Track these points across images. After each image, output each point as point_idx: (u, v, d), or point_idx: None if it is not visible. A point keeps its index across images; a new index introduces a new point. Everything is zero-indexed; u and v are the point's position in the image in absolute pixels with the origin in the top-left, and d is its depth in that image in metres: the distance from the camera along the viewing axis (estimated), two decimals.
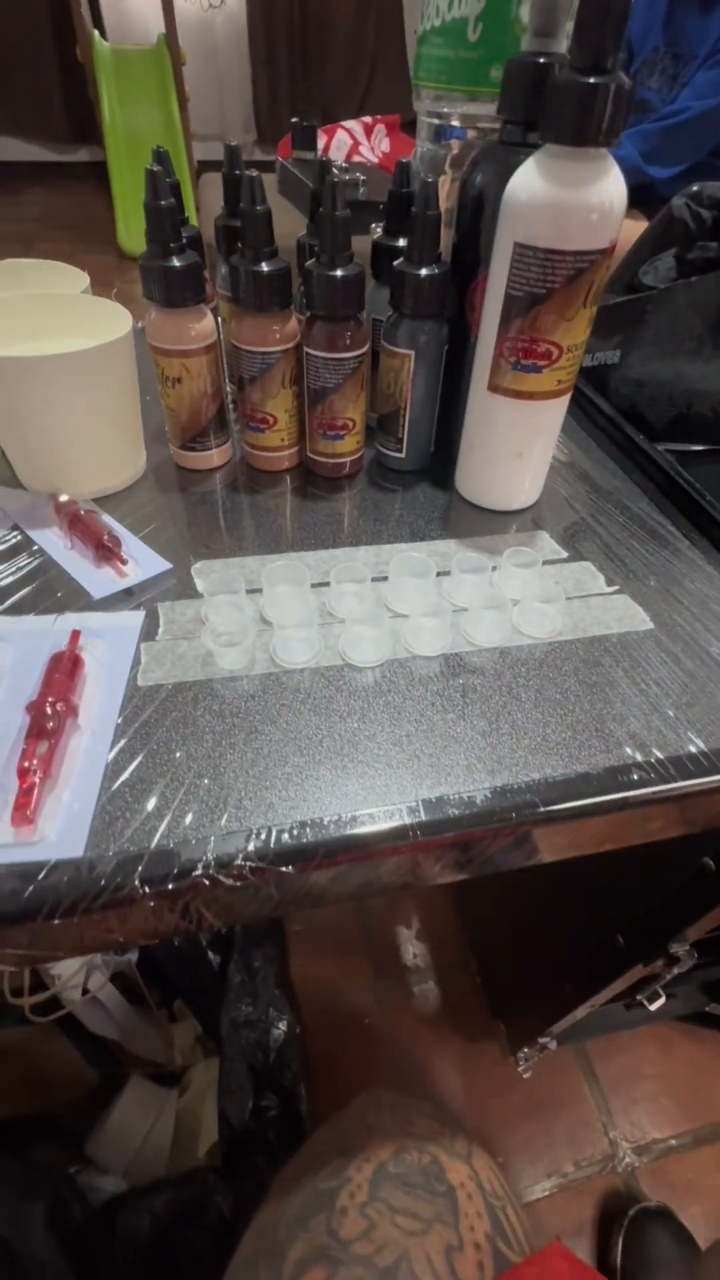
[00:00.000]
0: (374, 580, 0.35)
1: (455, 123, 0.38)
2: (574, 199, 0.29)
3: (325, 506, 0.41)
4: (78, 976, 0.75)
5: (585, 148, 0.28)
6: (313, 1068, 0.87)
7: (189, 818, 0.25)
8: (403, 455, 0.43)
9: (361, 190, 1.58)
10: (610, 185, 0.29)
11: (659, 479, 0.44)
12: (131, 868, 0.23)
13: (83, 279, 0.43)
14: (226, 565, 0.36)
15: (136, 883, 0.23)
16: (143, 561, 0.35)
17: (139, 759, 0.27)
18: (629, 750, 0.28)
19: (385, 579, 0.35)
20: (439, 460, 0.44)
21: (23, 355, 0.32)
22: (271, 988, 0.83)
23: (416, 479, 0.44)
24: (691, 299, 0.42)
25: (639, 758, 0.28)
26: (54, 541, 0.36)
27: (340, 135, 2.19)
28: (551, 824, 0.26)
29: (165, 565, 0.35)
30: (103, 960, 0.79)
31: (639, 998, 0.54)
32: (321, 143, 2.24)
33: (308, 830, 0.25)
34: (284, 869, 0.24)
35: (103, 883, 0.23)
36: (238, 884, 0.24)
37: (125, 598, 0.34)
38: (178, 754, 0.27)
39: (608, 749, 0.28)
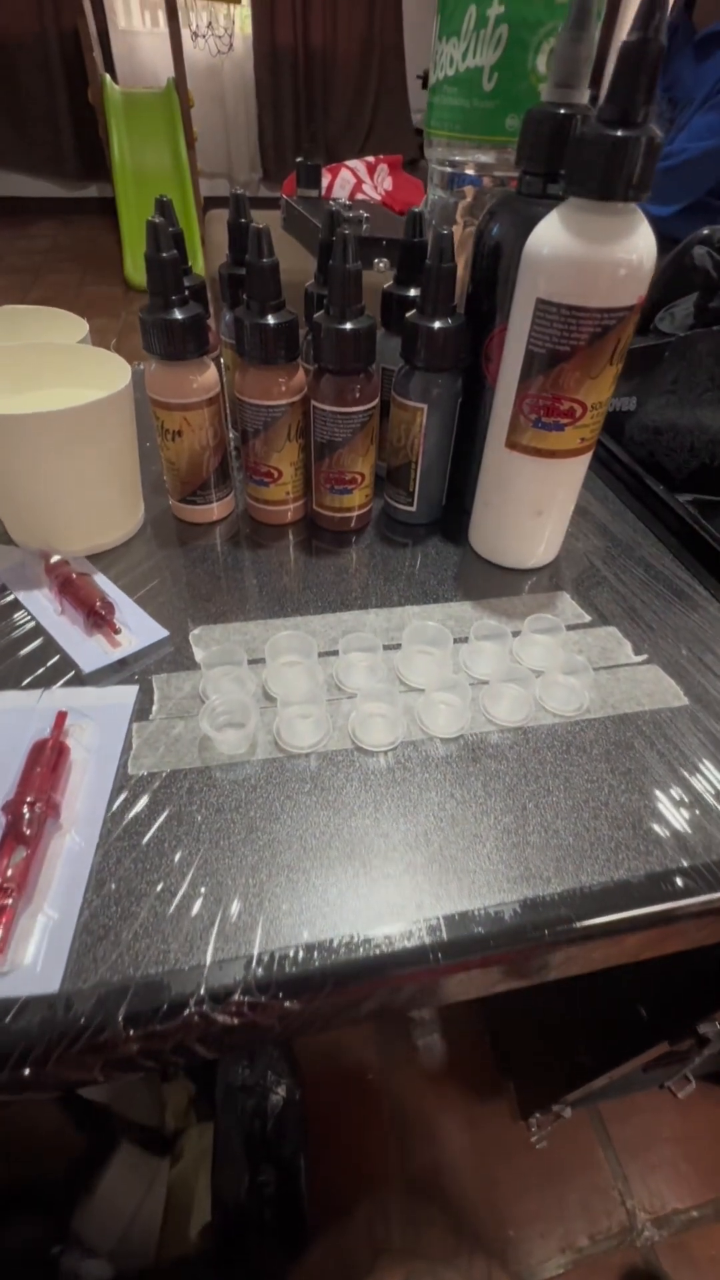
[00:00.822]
0: (386, 648, 0.33)
1: (469, 170, 0.37)
2: (601, 255, 0.27)
3: (332, 562, 0.39)
4: None
5: (613, 202, 0.26)
6: (312, 1129, 0.82)
7: (181, 936, 0.22)
8: (413, 509, 0.41)
9: (365, 227, 1.60)
10: (639, 240, 0.27)
11: (681, 533, 0.42)
12: (114, 1004, 0.20)
13: (82, 327, 0.41)
14: (227, 631, 0.34)
15: (120, 1023, 0.20)
16: (137, 629, 0.33)
17: (126, 864, 0.24)
18: (672, 852, 0.25)
19: (398, 647, 0.33)
20: (450, 512, 0.42)
21: (15, 412, 0.30)
22: (269, 1049, 0.79)
23: (427, 532, 0.42)
24: (712, 347, 0.41)
25: (684, 861, 0.25)
26: (43, 604, 0.34)
27: (344, 174, 2.23)
28: (588, 942, 0.23)
29: (161, 633, 0.33)
30: None
31: (667, 1085, 0.50)
32: (326, 181, 2.28)
33: (315, 955, 0.22)
34: (287, 1003, 0.21)
35: (81, 1022, 0.20)
36: (235, 1021, 0.21)
37: (118, 668, 0.31)
38: (174, 857, 0.24)
39: (648, 850, 0.25)
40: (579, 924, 0.23)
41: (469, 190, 0.37)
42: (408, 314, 0.35)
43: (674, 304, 0.46)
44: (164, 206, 0.34)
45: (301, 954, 0.22)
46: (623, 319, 0.29)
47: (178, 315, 0.33)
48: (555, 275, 0.28)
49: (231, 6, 2.84)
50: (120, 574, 0.37)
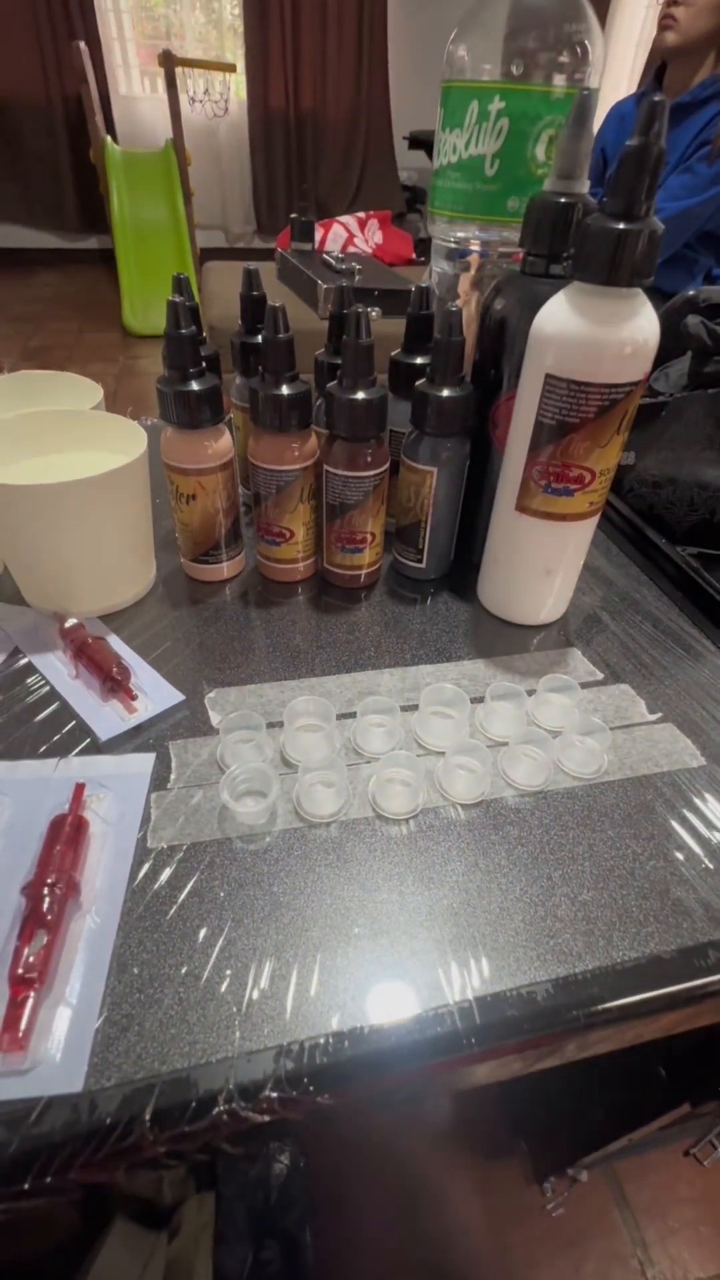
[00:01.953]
0: (403, 709, 0.33)
1: (474, 245, 0.38)
2: (608, 335, 0.28)
3: (343, 620, 0.39)
4: None
5: (618, 287, 0.28)
6: (316, 1195, 0.78)
7: (207, 1024, 0.21)
8: (423, 565, 0.41)
9: (357, 279, 1.67)
10: (643, 321, 0.28)
11: (684, 585, 0.43)
12: (140, 1105, 0.19)
13: (96, 392, 0.42)
14: (242, 694, 0.34)
15: (146, 1125, 0.19)
16: (152, 693, 0.33)
17: (149, 945, 0.23)
18: (702, 924, 0.25)
19: (415, 708, 0.33)
20: (459, 567, 0.43)
21: (33, 481, 0.31)
22: None
23: (436, 587, 0.42)
24: (709, 409, 0.42)
25: (716, 934, 0.25)
26: (57, 668, 0.34)
27: (336, 229, 2.33)
28: (623, 1022, 0.23)
29: (178, 697, 0.33)
30: None
31: (693, 1152, 0.49)
32: (319, 235, 2.38)
33: (345, 1043, 0.21)
34: (319, 1098, 0.20)
35: (107, 1124, 0.19)
36: (265, 1119, 0.20)
37: (134, 734, 0.31)
38: (197, 937, 0.24)
39: (677, 923, 0.25)
40: (613, 1004, 0.23)
41: (473, 260, 0.39)
42: (417, 383, 0.36)
43: (668, 365, 0.48)
44: (181, 284, 0.36)
45: (331, 1042, 0.21)
46: (629, 393, 0.30)
47: (195, 386, 0.33)
48: (564, 352, 0.29)
49: (227, 74, 2.99)
50: (133, 635, 0.37)
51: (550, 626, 0.40)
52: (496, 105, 0.34)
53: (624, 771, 0.31)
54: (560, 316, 0.29)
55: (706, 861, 0.27)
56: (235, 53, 3.03)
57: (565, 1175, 0.69)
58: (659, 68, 1.30)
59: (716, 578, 0.42)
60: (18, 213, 3.16)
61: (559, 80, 0.34)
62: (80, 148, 2.96)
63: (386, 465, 0.37)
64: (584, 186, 0.31)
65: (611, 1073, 0.60)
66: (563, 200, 0.31)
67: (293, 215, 1.88)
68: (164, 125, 2.71)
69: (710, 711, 0.34)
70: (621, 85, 2.58)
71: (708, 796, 0.30)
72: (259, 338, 0.37)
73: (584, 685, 0.35)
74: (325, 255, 1.81)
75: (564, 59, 0.34)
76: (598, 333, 0.28)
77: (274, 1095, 0.20)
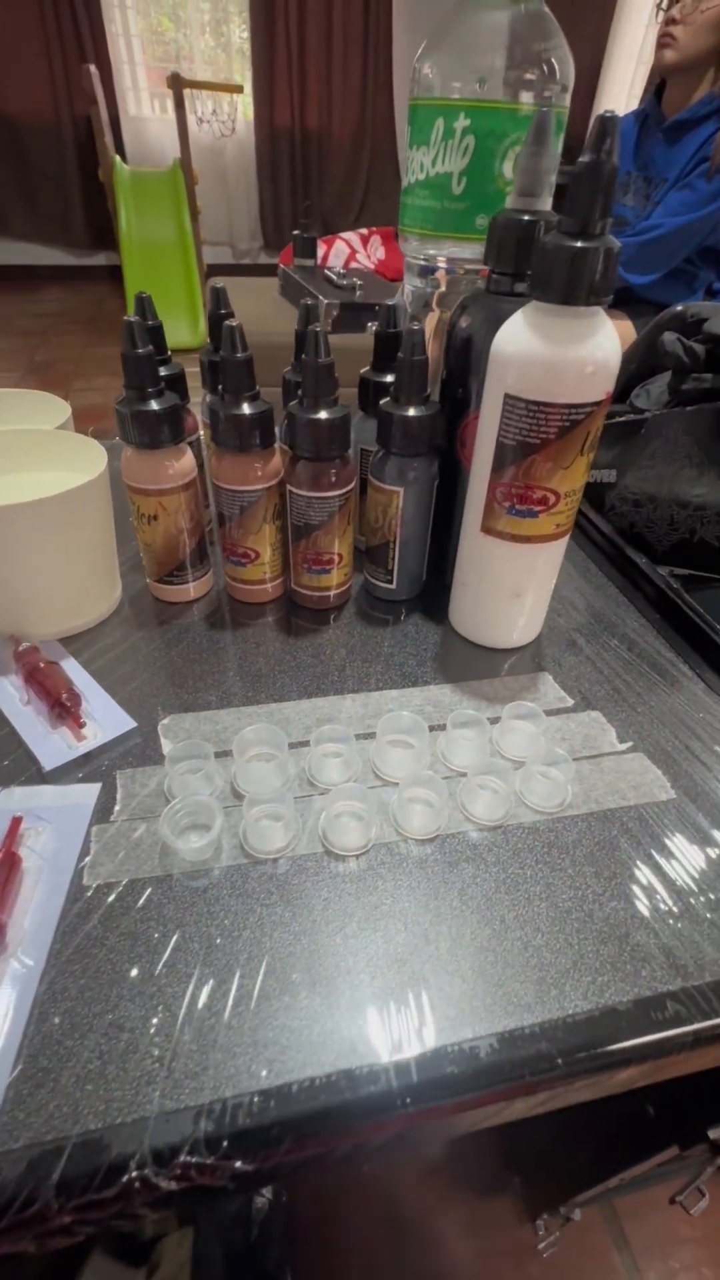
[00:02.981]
0: (361, 737, 0.32)
1: (441, 263, 0.38)
2: (566, 354, 0.28)
3: (309, 642, 0.38)
4: None
5: (576, 306, 0.27)
6: (300, 1230, 0.76)
7: (127, 1080, 0.20)
8: (393, 586, 0.40)
9: (359, 294, 1.67)
10: (603, 340, 0.28)
11: (663, 606, 0.41)
12: (46, 1169, 0.18)
13: (64, 411, 0.42)
14: (198, 720, 0.33)
15: (51, 1192, 0.18)
16: (104, 719, 0.32)
17: (74, 992, 0.22)
18: (661, 972, 0.24)
19: (374, 735, 0.32)
20: (431, 588, 0.42)
21: None
22: None
23: (407, 608, 0.41)
24: (688, 426, 0.41)
25: (675, 984, 0.23)
26: (9, 693, 0.33)
27: (339, 244, 2.35)
28: (571, 1080, 0.21)
29: (130, 724, 0.32)
30: None
31: (678, 1199, 0.46)
32: (322, 251, 2.40)
33: (271, 1104, 0.20)
34: (238, 1164, 0.19)
35: (8, 1193, 0.18)
36: (180, 1187, 0.19)
37: (83, 762, 0.30)
38: (124, 984, 0.23)
39: (635, 970, 0.24)
40: (561, 1060, 0.21)
41: (442, 277, 0.38)
42: (382, 402, 0.35)
43: (649, 381, 0.47)
44: (142, 303, 0.35)
45: (256, 1102, 0.20)
46: (590, 413, 0.29)
47: (153, 406, 0.33)
48: (523, 372, 0.28)
49: (234, 95, 3.05)
50: (93, 657, 0.36)
51: (522, 650, 0.38)
52: (462, 123, 0.34)
53: (589, 805, 0.29)
54: (519, 336, 0.28)
55: (670, 904, 0.26)
56: (243, 74, 3.08)
57: (558, 1213, 0.67)
58: (659, 85, 1.31)
59: (697, 599, 0.41)
60: (27, 230, 3.22)
61: (526, 98, 0.33)
62: (89, 167, 3.02)
63: (352, 485, 0.36)
64: (546, 203, 0.30)
65: (603, 1110, 0.57)
66: (525, 218, 0.30)
67: (295, 232, 1.90)
68: (172, 145, 2.76)
69: (684, 741, 0.33)
70: (621, 102, 2.59)
71: (675, 833, 0.28)
72: None
73: (553, 712, 0.34)
74: (327, 271, 1.83)
75: (530, 76, 0.33)
76: (556, 352, 0.27)
77: (191, 1160, 0.19)
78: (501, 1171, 0.80)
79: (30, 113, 2.96)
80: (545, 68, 0.33)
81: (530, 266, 0.31)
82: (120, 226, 2.79)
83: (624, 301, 1.36)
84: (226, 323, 0.32)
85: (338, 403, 0.34)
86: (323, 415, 0.33)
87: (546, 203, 0.30)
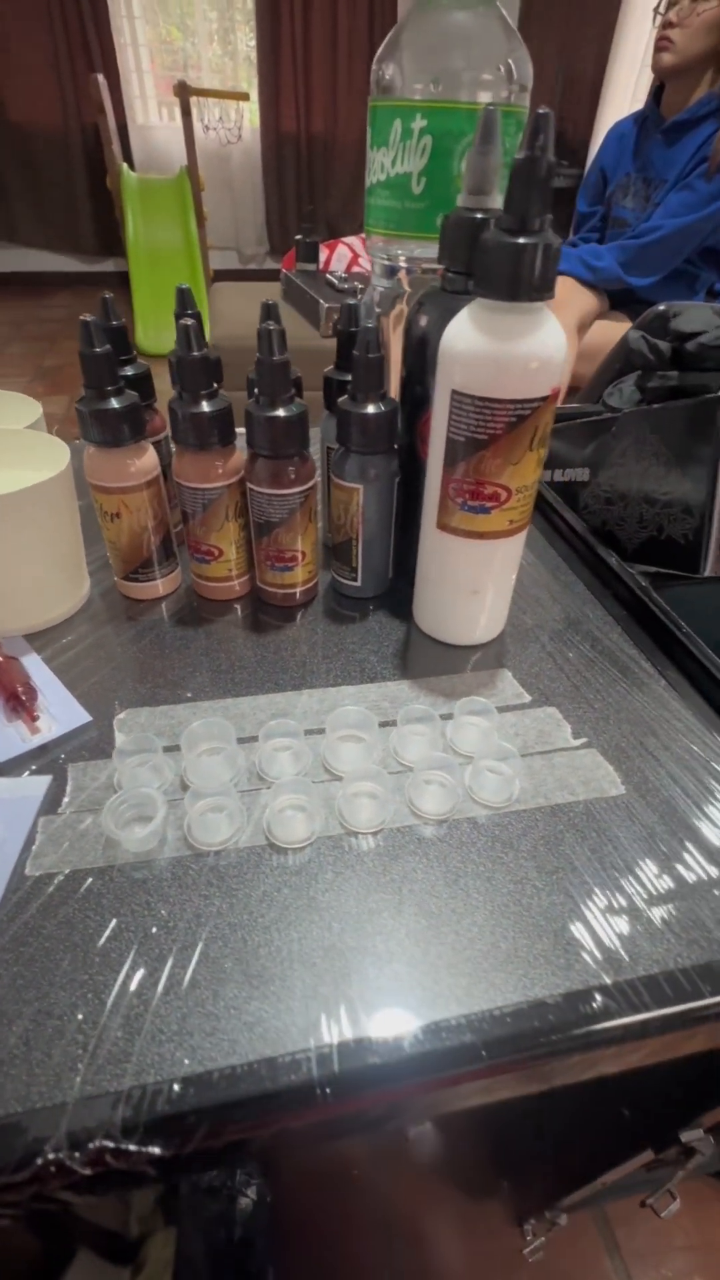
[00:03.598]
0: (313, 732, 0.32)
1: (402, 263, 0.38)
2: (510, 350, 0.28)
3: (272, 639, 0.39)
4: None
5: (519, 303, 0.27)
6: (287, 1232, 0.75)
7: (51, 1067, 0.20)
8: (358, 583, 0.41)
9: (360, 297, 1.68)
10: (546, 336, 0.28)
11: (631, 604, 0.41)
12: None
13: (35, 410, 0.42)
14: (153, 715, 0.33)
15: None
16: (60, 713, 0.32)
17: (4, 981, 0.23)
18: (594, 966, 0.23)
19: (322, 731, 0.32)
20: (398, 586, 0.42)
21: None
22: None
23: (375, 606, 0.41)
24: (654, 424, 0.41)
25: (607, 978, 0.23)
26: None
27: (341, 249, 2.36)
28: (495, 1074, 0.21)
29: (85, 718, 0.32)
30: None
31: (649, 1203, 0.46)
32: (324, 255, 2.42)
33: (190, 1091, 0.20)
34: (155, 1151, 0.19)
35: None
36: (94, 1172, 0.19)
37: (39, 754, 0.31)
38: (55, 973, 0.23)
39: (569, 965, 0.24)
40: (485, 1053, 0.21)
41: (403, 277, 0.39)
42: (340, 400, 0.35)
43: (622, 380, 0.47)
44: (105, 303, 0.36)
45: (176, 1089, 0.20)
46: (537, 409, 0.29)
47: (113, 405, 0.33)
48: (469, 369, 0.29)
49: (240, 102, 3.08)
50: (56, 653, 0.37)
51: (485, 647, 0.38)
52: (419, 123, 0.34)
53: (537, 800, 0.29)
54: (464, 333, 0.28)
55: (609, 899, 0.26)
56: (250, 81, 3.11)
57: (544, 1218, 0.66)
58: (657, 88, 1.31)
59: (666, 597, 0.40)
60: (36, 237, 3.27)
61: (484, 98, 0.33)
62: (97, 175, 3.06)
63: (312, 482, 0.37)
64: (496, 201, 0.31)
65: (587, 1111, 0.57)
66: (477, 216, 0.30)
67: (297, 237, 1.92)
68: (180, 152, 2.79)
69: (639, 738, 0.33)
70: (624, 106, 2.59)
71: (621, 829, 0.28)
72: None
73: (510, 708, 0.34)
74: (329, 275, 1.84)
75: (487, 77, 0.33)
76: (501, 349, 0.28)
77: (107, 1145, 0.19)
78: (491, 1175, 0.79)
79: (40, 122, 3.01)
80: (501, 68, 0.33)
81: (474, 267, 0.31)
82: (127, 233, 2.82)
83: (625, 303, 1.36)
84: (181, 322, 0.32)
85: (294, 400, 0.34)
86: (280, 413, 0.34)
87: (497, 200, 0.30)
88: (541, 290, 0.27)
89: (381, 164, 0.36)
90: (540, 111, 0.24)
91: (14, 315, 3.02)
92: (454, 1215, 0.78)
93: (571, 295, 1.30)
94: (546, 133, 0.24)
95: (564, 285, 1.31)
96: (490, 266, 0.27)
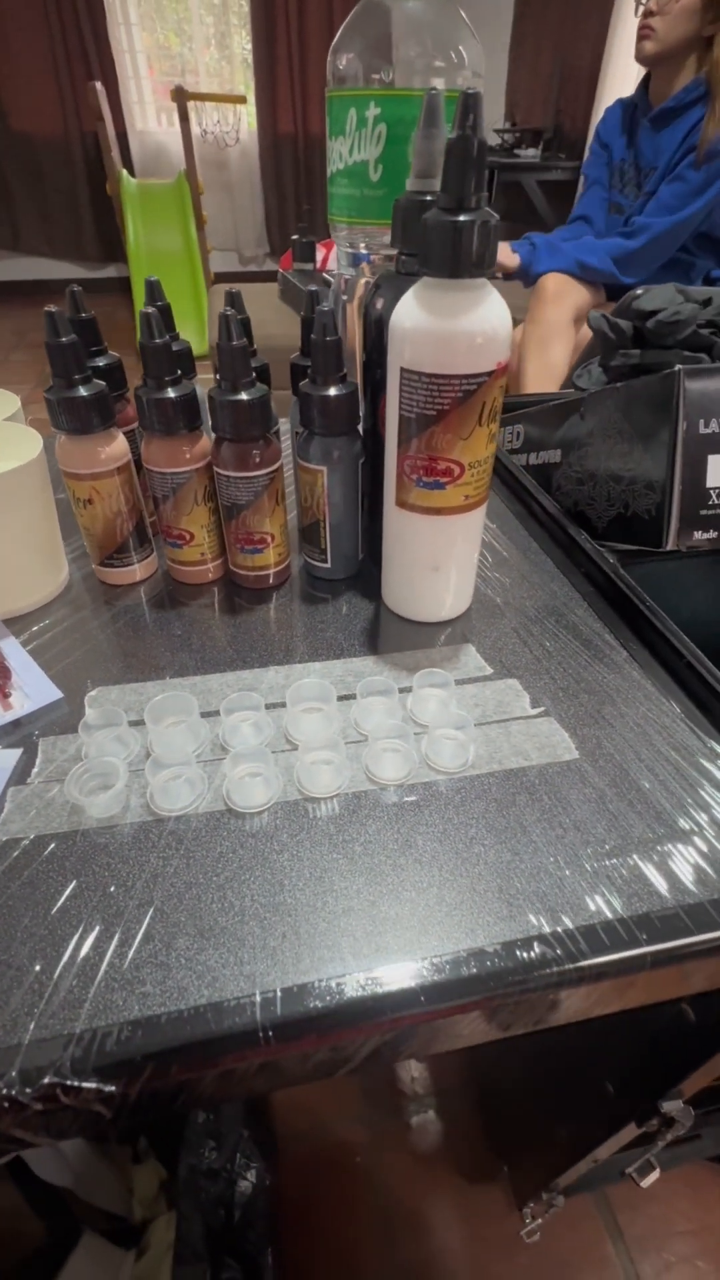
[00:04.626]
0: (273, 707, 0.33)
1: (363, 249, 0.39)
2: (455, 326, 0.28)
3: (247, 620, 0.40)
4: None
5: (461, 279, 0.28)
6: (291, 1217, 0.76)
7: (7, 1012, 0.21)
8: (328, 565, 0.41)
9: None
10: (489, 311, 0.28)
11: (599, 581, 0.42)
12: None
13: (13, 403, 0.44)
14: (124, 692, 0.34)
15: None
16: (32, 691, 0.33)
17: None
18: (533, 918, 0.24)
19: (285, 705, 0.33)
20: (370, 567, 0.43)
21: None
22: (239, 1127, 0.74)
23: (346, 587, 0.42)
24: (618, 403, 0.41)
25: (546, 928, 0.24)
26: None
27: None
28: (435, 1019, 0.22)
29: (56, 695, 0.33)
30: None
31: (629, 1171, 0.46)
32: (321, 255, 2.43)
33: (139, 1034, 0.21)
34: (106, 1088, 0.20)
35: None
36: (46, 1107, 0.20)
37: (11, 730, 0.32)
38: (16, 929, 0.24)
39: (511, 916, 0.24)
40: (423, 997, 0.22)
41: (365, 267, 0.40)
42: (300, 383, 0.36)
43: (590, 361, 0.48)
44: (73, 295, 0.37)
45: (126, 1032, 0.21)
46: (483, 384, 0.30)
47: (81, 393, 0.35)
48: (416, 346, 0.29)
49: (238, 106, 3.10)
50: (32, 637, 0.38)
51: (451, 624, 0.39)
52: (373, 111, 0.35)
53: (492, 765, 0.30)
54: (411, 312, 0.29)
55: (554, 856, 0.26)
56: (247, 84, 3.14)
57: (542, 1200, 0.67)
58: (646, 77, 1.31)
59: (635, 574, 0.41)
60: (41, 245, 3.31)
61: (437, 84, 0.34)
62: (98, 182, 3.09)
63: (277, 465, 0.37)
64: None
65: (576, 1092, 0.58)
66: (426, 198, 0.31)
67: (294, 237, 1.93)
68: (179, 157, 2.82)
69: (597, 707, 0.33)
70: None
71: (572, 791, 0.29)
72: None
73: (470, 680, 0.35)
74: (326, 274, 1.85)
75: (438, 64, 0.34)
76: (445, 325, 0.28)
77: (56, 1081, 0.20)
78: (489, 1159, 0.80)
79: (42, 131, 3.05)
80: (453, 54, 0.34)
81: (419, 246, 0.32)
82: (128, 239, 2.86)
83: (620, 295, 1.36)
84: (143, 310, 0.33)
85: (255, 384, 0.35)
86: (242, 397, 0.35)
87: None
88: (481, 266, 0.27)
89: (340, 153, 0.37)
90: (469, 91, 0.25)
91: (18, 324, 3.07)
92: (453, 1201, 0.79)
93: (566, 289, 1.30)
94: (476, 112, 0.25)
95: (558, 280, 1.31)
96: (431, 245, 0.27)
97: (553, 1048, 0.60)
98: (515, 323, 1.46)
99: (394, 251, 0.37)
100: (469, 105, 0.25)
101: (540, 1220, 0.71)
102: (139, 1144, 0.78)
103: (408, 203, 0.32)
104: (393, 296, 0.34)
